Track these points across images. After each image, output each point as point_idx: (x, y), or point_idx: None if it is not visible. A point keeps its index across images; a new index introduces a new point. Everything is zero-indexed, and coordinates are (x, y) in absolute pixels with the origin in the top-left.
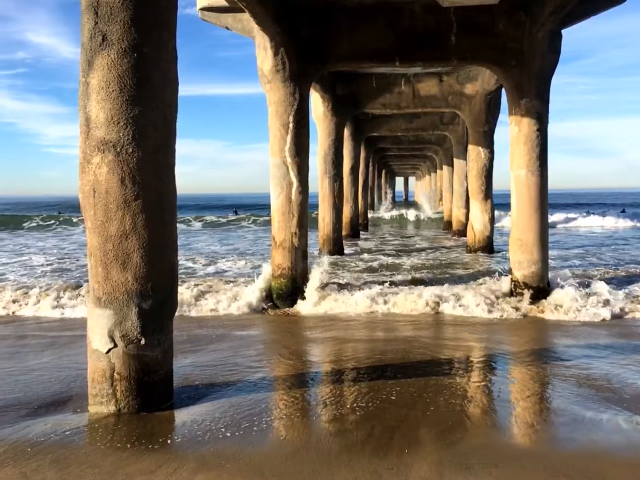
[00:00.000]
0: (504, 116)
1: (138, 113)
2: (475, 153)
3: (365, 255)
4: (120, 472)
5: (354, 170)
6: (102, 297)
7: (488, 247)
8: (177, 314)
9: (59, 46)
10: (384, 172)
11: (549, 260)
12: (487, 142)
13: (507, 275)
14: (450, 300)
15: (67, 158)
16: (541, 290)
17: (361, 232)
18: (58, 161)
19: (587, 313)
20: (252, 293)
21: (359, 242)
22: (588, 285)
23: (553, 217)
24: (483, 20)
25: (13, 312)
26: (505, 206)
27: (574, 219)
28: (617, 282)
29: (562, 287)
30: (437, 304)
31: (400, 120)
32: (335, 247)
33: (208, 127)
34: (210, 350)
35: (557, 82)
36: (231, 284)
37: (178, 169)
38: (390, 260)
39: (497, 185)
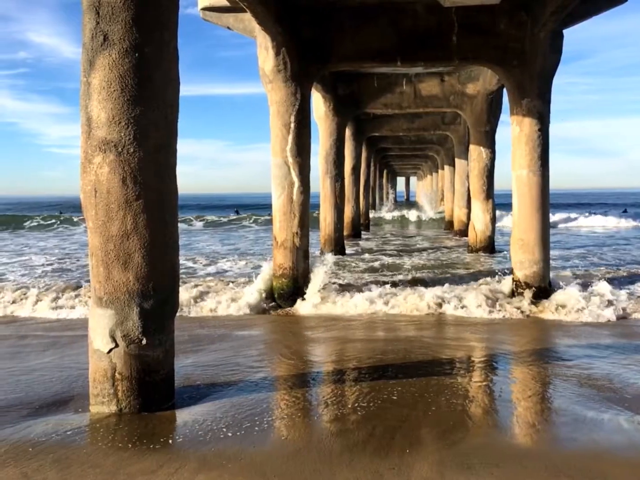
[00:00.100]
0: (505, 116)
1: (139, 113)
2: (477, 153)
3: (367, 255)
4: (121, 472)
5: (356, 170)
6: (103, 297)
7: (489, 247)
8: (178, 314)
9: (60, 46)
10: (385, 172)
11: (551, 260)
12: (489, 142)
13: (508, 276)
14: (451, 301)
15: (69, 158)
16: (543, 290)
17: (362, 232)
18: (59, 161)
19: (591, 314)
20: (252, 293)
21: (361, 242)
22: (590, 286)
23: (554, 217)
24: (484, 20)
25: (11, 312)
26: (505, 206)
27: (576, 219)
28: (618, 282)
29: (563, 287)
30: (439, 304)
31: (402, 120)
32: (337, 247)
33: (209, 127)
34: (211, 350)
35: (559, 82)
36: (232, 284)
37: (179, 169)
38: (391, 260)
39: (498, 185)
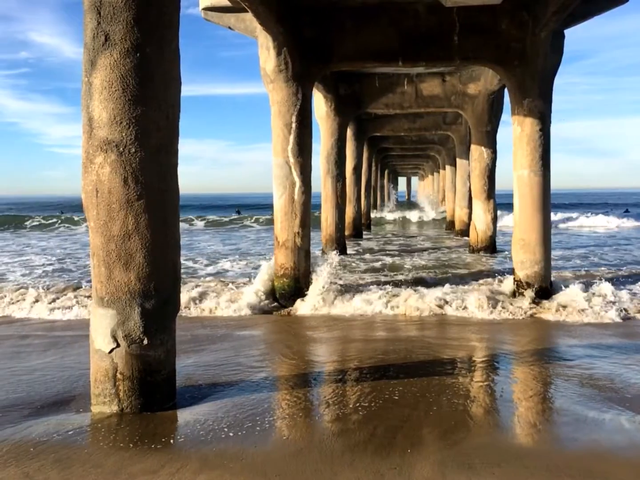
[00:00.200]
0: (506, 116)
1: (141, 113)
2: (478, 153)
3: (368, 255)
4: (123, 472)
5: (357, 170)
6: (105, 297)
7: (491, 247)
8: (179, 314)
9: (61, 46)
10: (386, 172)
11: (552, 261)
12: (490, 142)
13: (509, 276)
14: (452, 301)
15: (70, 158)
16: (544, 290)
17: (364, 232)
18: (61, 161)
19: (595, 315)
20: (253, 294)
21: (362, 242)
22: (592, 286)
23: (556, 217)
24: (486, 20)
25: (11, 313)
26: (505, 206)
27: (577, 218)
28: (620, 283)
29: (565, 287)
30: (440, 305)
31: (403, 120)
32: (338, 247)
33: (211, 127)
34: (212, 350)
35: (560, 82)
36: (233, 285)
37: (181, 169)
38: (392, 260)
39: (498, 185)
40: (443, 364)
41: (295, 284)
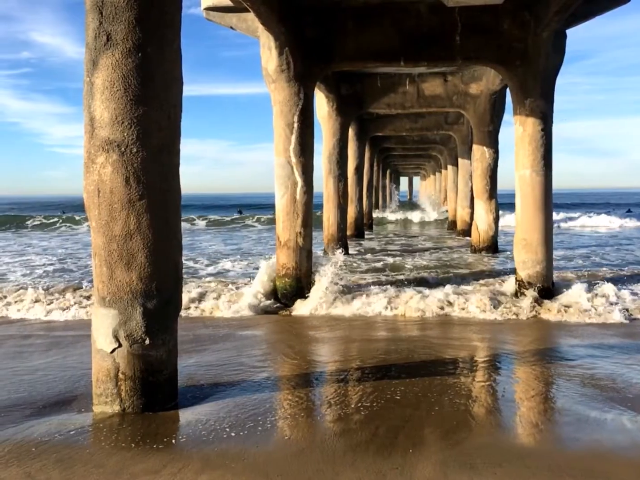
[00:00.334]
0: (508, 116)
1: (142, 113)
2: (480, 153)
3: (369, 255)
4: (124, 472)
5: (359, 170)
6: (106, 296)
7: (492, 246)
8: (181, 314)
9: (63, 46)
10: (388, 172)
11: (553, 261)
12: (492, 141)
13: (511, 276)
14: (454, 301)
15: (72, 158)
16: (546, 290)
17: (366, 232)
18: (62, 161)
19: (598, 316)
20: (254, 294)
21: (363, 242)
22: (594, 286)
23: (557, 217)
24: (487, 20)
25: (10, 314)
26: (505, 205)
27: (579, 218)
28: (622, 283)
29: (567, 287)
30: (442, 305)
31: (405, 120)
32: (342, 247)
33: (213, 127)
34: (214, 350)
35: (561, 82)
36: (235, 285)
37: (182, 169)
38: (394, 260)
39: (500, 184)
40: (445, 364)
41: (297, 284)
